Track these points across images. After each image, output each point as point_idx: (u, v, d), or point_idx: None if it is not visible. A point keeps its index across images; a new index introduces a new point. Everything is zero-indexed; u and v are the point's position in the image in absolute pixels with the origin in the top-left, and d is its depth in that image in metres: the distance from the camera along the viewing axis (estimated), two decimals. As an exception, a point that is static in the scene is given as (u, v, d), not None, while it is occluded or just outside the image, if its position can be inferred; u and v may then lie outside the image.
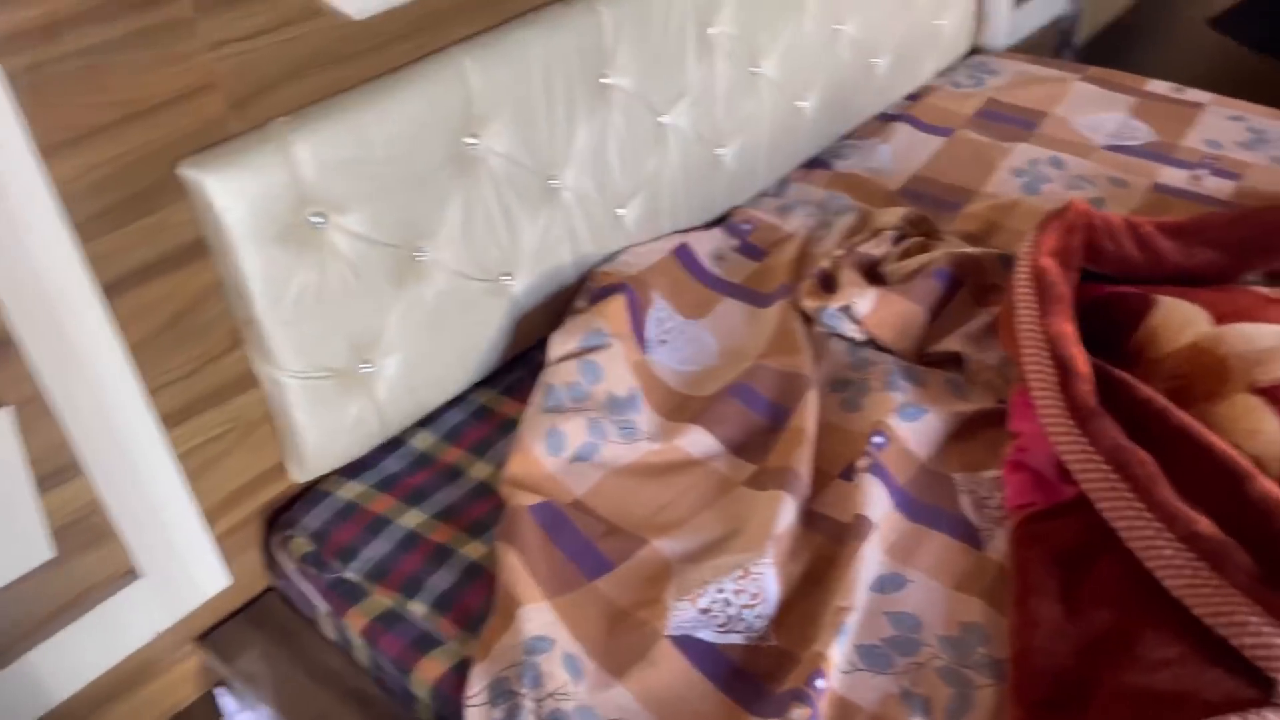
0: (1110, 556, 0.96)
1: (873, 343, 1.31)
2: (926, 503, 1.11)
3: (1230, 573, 0.86)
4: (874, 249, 1.44)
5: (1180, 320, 1.15)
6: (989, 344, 1.28)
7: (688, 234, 1.49)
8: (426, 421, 1.26)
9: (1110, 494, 0.97)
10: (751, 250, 1.52)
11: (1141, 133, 1.75)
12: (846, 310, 1.30)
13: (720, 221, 1.58)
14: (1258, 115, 1.77)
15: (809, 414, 1.18)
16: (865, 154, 1.74)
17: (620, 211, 1.40)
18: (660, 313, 1.35)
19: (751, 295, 1.43)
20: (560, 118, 1.25)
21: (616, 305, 1.28)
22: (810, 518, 1.10)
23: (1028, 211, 1.57)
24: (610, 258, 1.40)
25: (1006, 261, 1.39)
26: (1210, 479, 0.95)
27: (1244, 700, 0.81)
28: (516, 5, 1.20)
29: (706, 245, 1.49)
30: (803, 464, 1.12)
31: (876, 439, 1.14)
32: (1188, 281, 1.28)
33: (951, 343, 1.27)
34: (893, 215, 1.52)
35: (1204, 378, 1.08)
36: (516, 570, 1.01)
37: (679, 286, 1.41)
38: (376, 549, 1.11)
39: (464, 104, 1.14)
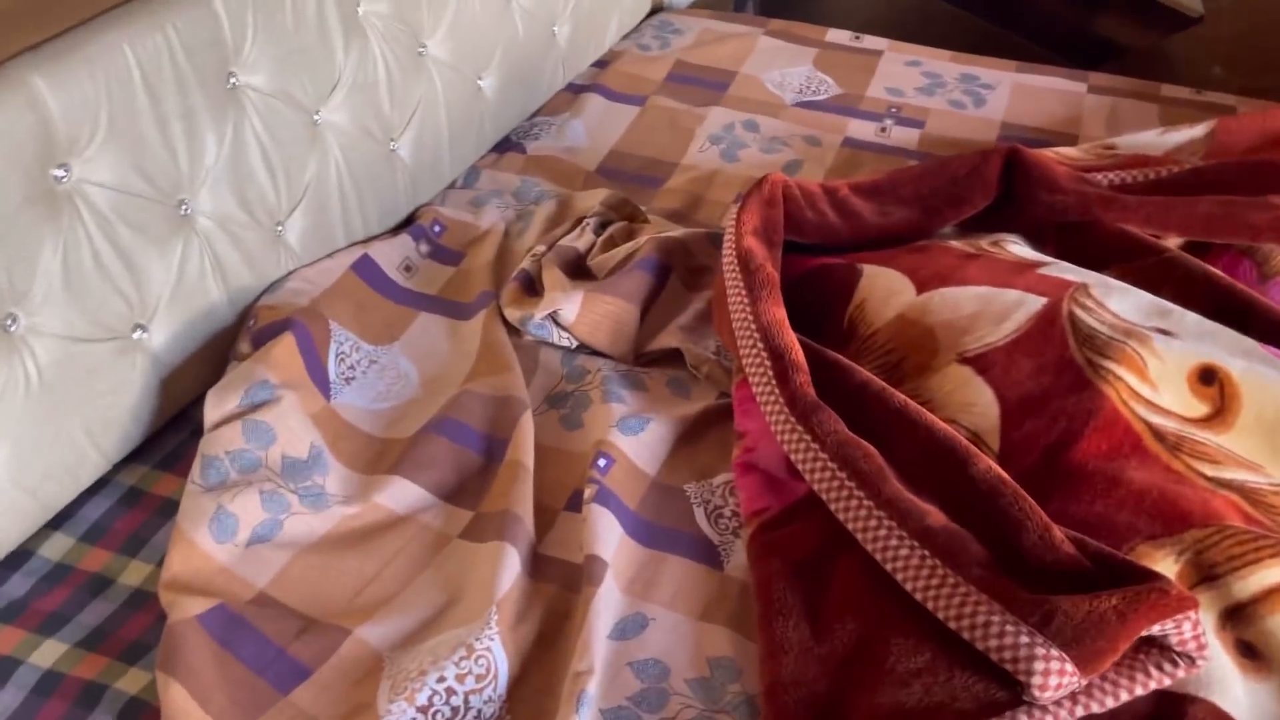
0: (849, 559, 0.91)
1: (587, 347, 1.20)
2: (662, 525, 1.01)
3: (965, 567, 0.82)
4: (576, 241, 1.32)
5: (885, 290, 1.11)
6: (705, 332, 1.20)
7: (369, 244, 1.31)
8: (58, 522, 1.02)
9: (840, 493, 0.91)
10: (445, 254, 1.36)
11: (827, 85, 1.73)
12: (553, 317, 1.18)
13: (405, 225, 1.40)
14: (930, 59, 1.80)
15: (525, 443, 1.06)
16: (558, 132, 1.62)
17: (279, 229, 1.20)
18: (343, 345, 1.17)
19: (450, 307, 1.28)
20: (179, 131, 1.03)
21: (284, 347, 1.09)
22: (539, 564, 0.98)
23: (728, 181, 1.51)
24: (275, 286, 1.20)
25: (714, 239, 1.32)
26: (935, 462, 0.91)
27: (997, 703, 0.77)
28: (94, 3, 0.97)
29: (392, 255, 1.32)
30: (523, 504, 1.00)
31: (601, 461, 1.03)
32: (889, 242, 1.26)
33: (668, 338, 1.18)
34: (593, 199, 1.41)
35: (914, 351, 1.05)
36: (182, 706, 0.82)
37: (364, 308, 1.23)
38: (2, 702, 0.88)
39: (41, 129, 0.91)
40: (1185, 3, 2.14)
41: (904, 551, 0.85)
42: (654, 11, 1.99)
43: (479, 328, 1.22)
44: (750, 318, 1.07)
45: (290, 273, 1.22)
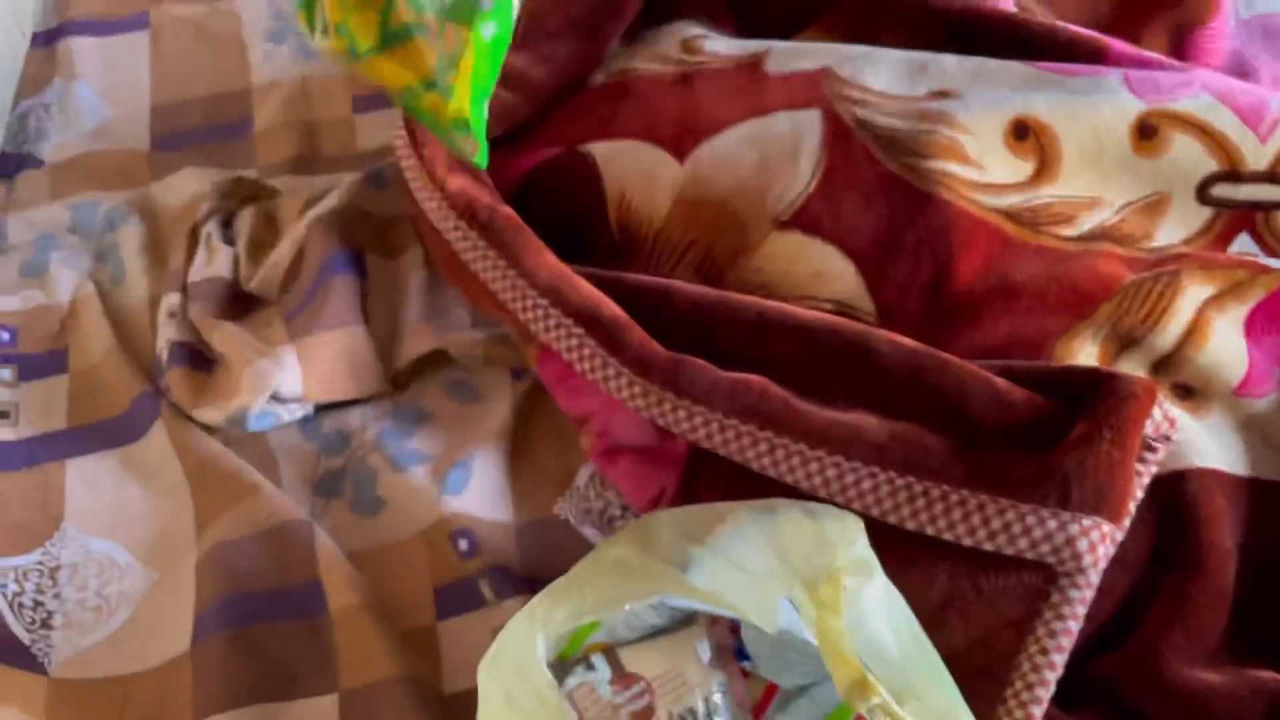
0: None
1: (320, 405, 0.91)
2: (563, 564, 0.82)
3: (941, 472, 0.71)
4: (211, 266, 0.97)
5: (641, 174, 0.91)
6: (447, 306, 0.95)
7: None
8: None
9: (756, 449, 0.76)
10: (37, 365, 0.96)
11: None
12: (277, 398, 0.87)
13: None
14: None
15: (341, 573, 0.80)
16: (64, 113, 1.15)
17: None
18: None
19: (101, 435, 0.91)
20: None
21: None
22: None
23: (325, 84, 1.17)
24: None
25: (377, 179, 1.02)
26: (831, 362, 0.78)
27: (1042, 590, 0.70)
28: None
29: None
30: (395, 656, 0.76)
31: (463, 545, 0.81)
32: (568, 90, 1.03)
33: (416, 342, 0.91)
34: (185, 188, 1.04)
35: (719, 235, 0.87)
36: None
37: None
38: None
39: None
40: None
41: (866, 484, 0.73)
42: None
43: (167, 448, 0.88)
44: (523, 283, 0.84)
45: None
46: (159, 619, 0.81)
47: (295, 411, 0.89)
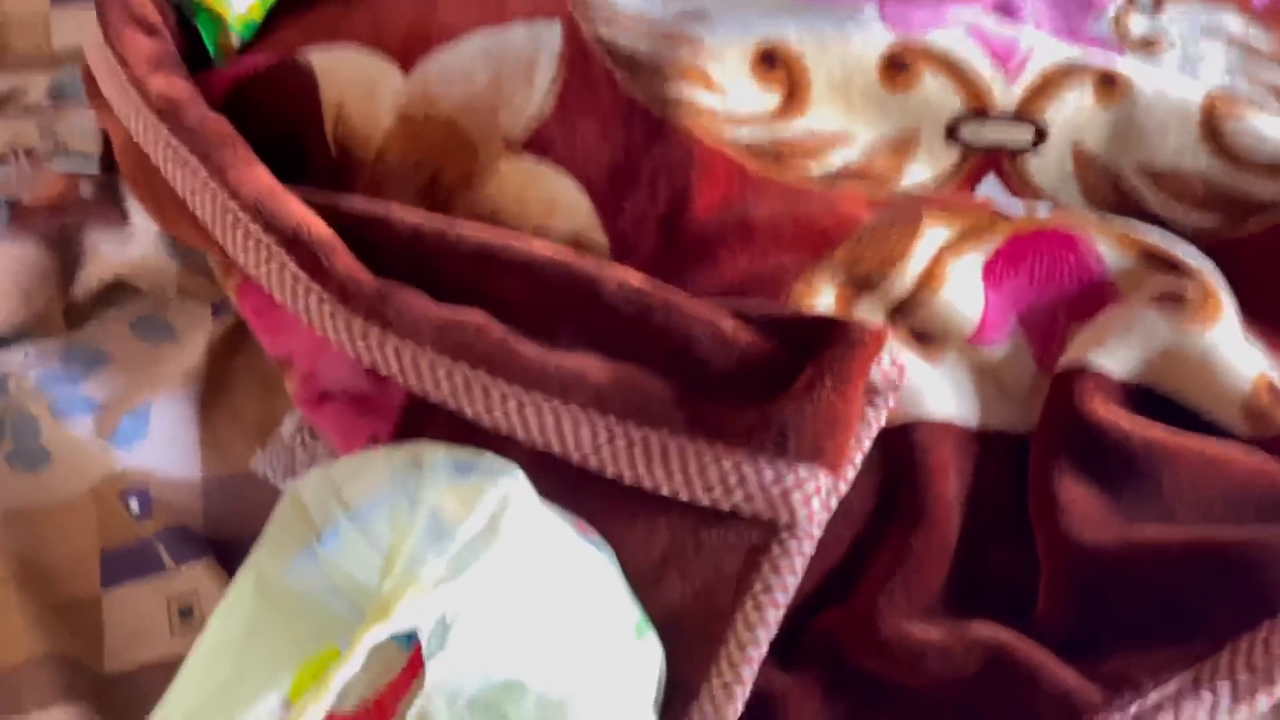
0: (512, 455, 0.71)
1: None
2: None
3: (664, 418, 0.66)
4: None
5: (361, 84, 0.81)
6: (135, 231, 0.83)
7: None
8: None
9: (470, 394, 0.69)
10: None
11: None
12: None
13: None
14: None
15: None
16: None
17: None
18: None
19: None
20: None
21: None
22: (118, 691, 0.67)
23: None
24: None
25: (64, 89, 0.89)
26: (555, 301, 0.71)
27: (761, 545, 0.66)
28: None
29: None
30: (38, 633, 0.66)
31: (134, 504, 0.70)
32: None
33: (97, 268, 0.79)
34: None
35: (447, 157, 0.78)
36: None
37: None
38: None
39: None
40: None
41: (584, 431, 0.67)
42: None
43: None
44: (224, 195, 0.73)
45: None
46: None
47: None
